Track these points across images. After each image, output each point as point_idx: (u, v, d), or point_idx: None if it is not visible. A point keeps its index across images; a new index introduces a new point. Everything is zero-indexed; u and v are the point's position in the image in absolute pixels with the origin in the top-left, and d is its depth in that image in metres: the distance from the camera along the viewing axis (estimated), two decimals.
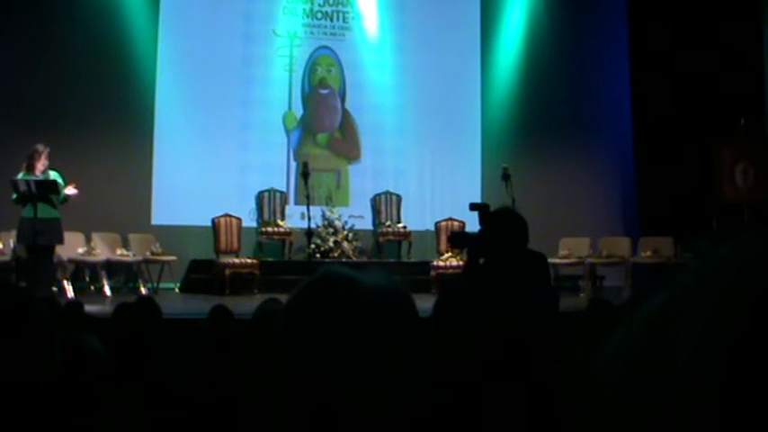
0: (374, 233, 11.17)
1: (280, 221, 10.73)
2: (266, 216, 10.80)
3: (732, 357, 0.41)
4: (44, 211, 8.04)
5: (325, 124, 11.52)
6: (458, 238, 4.70)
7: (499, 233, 4.02)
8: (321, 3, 11.57)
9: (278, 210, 10.86)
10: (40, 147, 8.19)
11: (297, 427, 1.02)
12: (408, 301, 1.07)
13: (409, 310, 1.06)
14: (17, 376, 1.37)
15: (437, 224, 11.00)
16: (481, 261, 4.23)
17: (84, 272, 9.79)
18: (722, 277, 0.43)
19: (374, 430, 1.01)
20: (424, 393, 1.05)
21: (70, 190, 8.20)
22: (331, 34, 11.60)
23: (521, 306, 3.19)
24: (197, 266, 10.26)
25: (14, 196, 8.11)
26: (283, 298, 1.23)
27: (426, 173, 11.64)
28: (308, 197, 8.89)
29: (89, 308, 5.36)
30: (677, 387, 0.42)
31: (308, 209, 8.77)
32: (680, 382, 0.42)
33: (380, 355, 1.01)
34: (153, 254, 9.92)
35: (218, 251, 10.10)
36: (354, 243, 10.75)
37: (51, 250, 8.32)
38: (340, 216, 10.87)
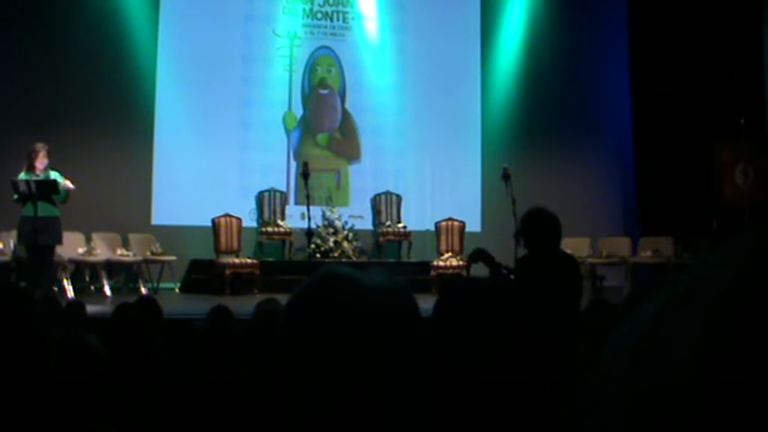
0: (374, 233, 11.16)
1: (280, 221, 10.72)
2: (266, 216, 10.80)
3: (731, 358, 0.41)
4: (44, 209, 8.02)
5: (325, 124, 11.52)
6: (477, 257, 4.60)
7: (532, 234, 4.08)
8: (321, 3, 11.56)
9: (278, 210, 10.86)
10: (38, 145, 8.19)
11: (298, 426, 1.02)
12: (411, 302, 1.07)
13: (412, 310, 1.06)
14: (7, 382, 1.36)
15: (437, 224, 10.98)
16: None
17: (84, 272, 9.79)
18: (721, 278, 0.43)
19: (375, 430, 1.01)
20: (424, 393, 1.05)
21: (68, 184, 8.19)
22: (331, 34, 11.60)
23: (548, 306, 3.24)
24: (197, 266, 10.26)
25: (15, 196, 8.11)
26: (283, 298, 1.22)
27: (426, 173, 11.63)
28: (308, 197, 8.87)
29: (89, 308, 5.36)
30: (677, 387, 0.42)
31: (308, 209, 8.76)
32: (680, 383, 0.42)
33: (383, 354, 1.00)
34: (153, 254, 9.92)
35: (218, 251, 10.10)
36: (354, 243, 10.75)
37: (51, 250, 8.30)
38: (340, 216, 10.86)
